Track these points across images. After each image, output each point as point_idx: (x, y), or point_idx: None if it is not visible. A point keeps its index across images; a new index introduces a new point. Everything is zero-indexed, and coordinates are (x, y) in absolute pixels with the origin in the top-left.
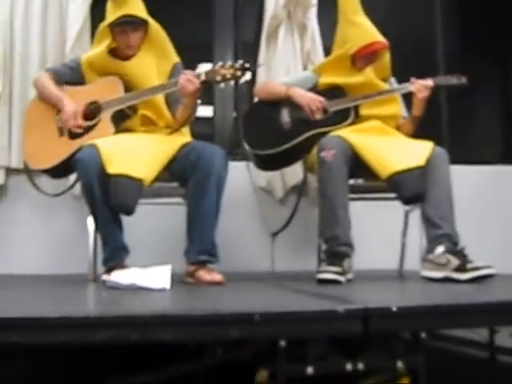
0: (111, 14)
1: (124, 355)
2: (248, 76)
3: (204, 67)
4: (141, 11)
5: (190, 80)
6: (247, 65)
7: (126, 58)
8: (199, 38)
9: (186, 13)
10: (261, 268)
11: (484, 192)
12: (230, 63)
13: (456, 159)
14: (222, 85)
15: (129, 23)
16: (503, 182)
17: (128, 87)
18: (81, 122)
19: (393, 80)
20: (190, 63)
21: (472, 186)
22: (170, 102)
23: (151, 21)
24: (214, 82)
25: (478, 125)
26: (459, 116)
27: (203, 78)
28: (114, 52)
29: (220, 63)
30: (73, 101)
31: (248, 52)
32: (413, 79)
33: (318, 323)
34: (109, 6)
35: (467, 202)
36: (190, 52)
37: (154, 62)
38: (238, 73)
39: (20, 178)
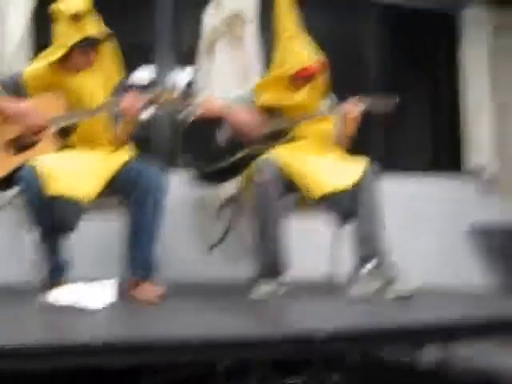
0: (69, 35)
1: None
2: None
3: (142, 72)
4: (99, 28)
5: (131, 104)
6: (189, 93)
7: (74, 72)
8: (141, 39)
9: (129, 14)
10: (198, 280)
11: (412, 202)
12: (171, 88)
13: (387, 167)
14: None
15: (92, 43)
16: (429, 193)
17: (73, 101)
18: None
19: (333, 96)
20: (130, 65)
21: (400, 197)
22: (112, 118)
23: (108, 39)
24: (155, 106)
25: (408, 135)
26: (391, 128)
27: (145, 101)
28: (60, 66)
29: (161, 88)
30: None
31: (188, 59)
32: (342, 105)
33: (254, 348)
34: (63, 27)
35: (396, 212)
36: (131, 53)
37: (100, 78)
38: (179, 99)
39: None
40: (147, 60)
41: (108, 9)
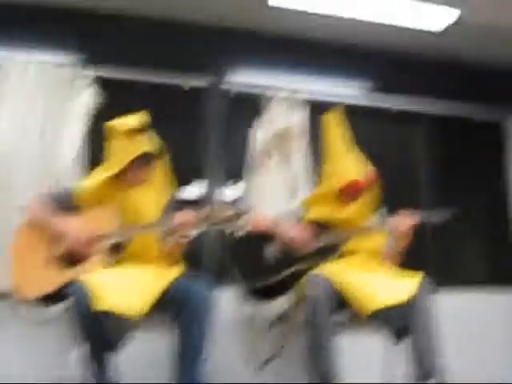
0: (126, 150)
1: None
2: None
3: (192, 188)
4: (153, 145)
5: (186, 221)
6: (242, 212)
7: (127, 187)
8: (191, 161)
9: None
10: None
11: (473, 320)
12: (225, 207)
13: (443, 282)
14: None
15: (147, 159)
16: (490, 309)
17: (125, 217)
18: (87, 241)
19: (383, 211)
20: (181, 181)
21: (459, 310)
22: (163, 235)
23: (162, 154)
24: (209, 225)
25: (464, 248)
26: (444, 243)
27: (199, 220)
28: (115, 179)
29: (216, 206)
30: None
31: (238, 177)
32: (392, 219)
33: None
34: (119, 143)
35: (455, 324)
36: (182, 175)
37: (153, 194)
38: (233, 219)
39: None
40: (198, 176)
41: (157, 123)
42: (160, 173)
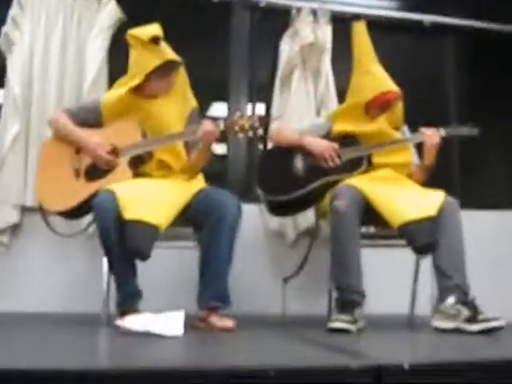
0: (149, 60)
1: None
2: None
3: (218, 109)
4: (174, 54)
5: (210, 132)
6: (265, 116)
7: (151, 98)
8: (214, 76)
9: (205, 52)
10: (272, 312)
11: (495, 237)
12: (248, 114)
13: (467, 204)
14: (240, 135)
15: (171, 68)
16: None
17: (148, 128)
18: (108, 152)
19: (405, 128)
20: (204, 102)
21: (483, 232)
22: (186, 146)
23: (181, 66)
24: (232, 133)
25: (488, 170)
26: (470, 161)
27: (222, 128)
28: (137, 91)
29: (239, 113)
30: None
31: (262, 94)
32: (422, 129)
33: (331, 378)
34: (142, 53)
35: (479, 247)
36: (206, 91)
37: (176, 105)
38: (256, 124)
39: (35, 216)
40: (221, 97)
41: (182, 41)
42: (182, 84)
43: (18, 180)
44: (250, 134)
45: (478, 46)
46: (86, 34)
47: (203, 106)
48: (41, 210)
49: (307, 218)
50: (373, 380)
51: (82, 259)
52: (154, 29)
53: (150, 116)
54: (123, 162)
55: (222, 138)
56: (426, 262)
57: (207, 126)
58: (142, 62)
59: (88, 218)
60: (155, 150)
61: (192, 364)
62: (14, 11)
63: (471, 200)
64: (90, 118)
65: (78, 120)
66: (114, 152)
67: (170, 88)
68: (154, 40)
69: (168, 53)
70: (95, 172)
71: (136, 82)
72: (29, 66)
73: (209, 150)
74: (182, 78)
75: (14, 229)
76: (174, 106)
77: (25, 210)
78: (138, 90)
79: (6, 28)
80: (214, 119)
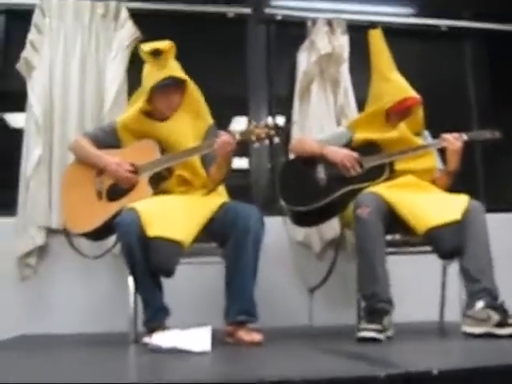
0: (152, 76)
1: None
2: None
3: (239, 122)
4: (180, 72)
5: (226, 142)
6: (281, 124)
7: (163, 119)
8: (234, 92)
9: (222, 68)
10: (299, 323)
11: None
12: (263, 122)
13: (492, 208)
14: (257, 144)
15: (172, 85)
16: None
17: (164, 148)
18: (129, 171)
19: (427, 133)
20: (225, 118)
21: (509, 235)
22: (205, 161)
23: (190, 83)
24: (249, 142)
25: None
26: (493, 165)
27: (238, 138)
28: (149, 113)
29: (254, 123)
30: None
31: (282, 107)
32: (444, 135)
33: None
34: (148, 69)
35: (505, 250)
36: (225, 106)
37: (190, 122)
38: (272, 132)
39: (60, 238)
40: (241, 112)
41: (198, 57)
42: (194, 102)
43: (42, 202)
44: (267, 142)
45: (496, 49)
46: (104, 54)
47: (224, 121)
48: (65, 232)
49: (332, 228)
50: None
51: (108, 279)
52: (159, 43)
53: (163, 138)
54: (143, 180)
55: (243, 151)
56: (454, 268)
57: (223, 137)
58: (148, 76)
59: (112, 239)
60: (174, 167)
61: (220, 379)
62: (32, 35)
63: (496, 203)
64: (109, 139)
65: (98, 142)
66: (134, 171)
67: (175, 106)
68: (156, 53)
69: (171, 69)
70: (117, 192)
71: (144, 97)
72: (49, 90)
73: (227, 163)
74: (193, 96)
75: (41, 251)
76: (188, 125)
77: (50, 231)
78: (148, 113)
79: (25, 53)
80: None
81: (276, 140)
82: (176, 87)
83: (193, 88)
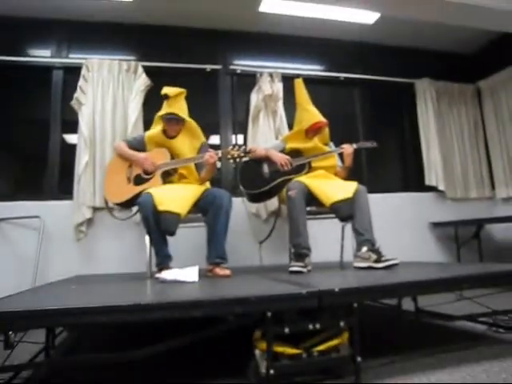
0: (163, 110)
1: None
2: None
3: (214, 139)
4: (183, 111)
5: (211, 156)
6: (247, 149)
7: (172, 137)
8: (211, 119)
9: (203, 104)
10: (253, 264)
11: (389, 209)
12: (237, 147)
13: (373, 190)
14: (231, 161)
15: (173, 119)
16: (403, 204)
17: (172, 155)
18: (152, 164)
19: (331, 144)
20: (205, 136)
21: (384, 207)
22: (198, 167)
23: (188, 119)
24: (226, 159)
25: (386, 168)
26: (373, 163)
27: (219, 155)
28: (165, 132)
29: (231, 146)
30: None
31: (241, 128)
32: (343, 145)
33: (291, 301)
34: (164, 104)
35: (379, 216)
36: (205, 128)
37: (189, 140)
38: (242, 154)
39: (101, 213)
40: (215, 130)
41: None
42: (191, 129)
43: (89, 190)
44: (238, 160)
45: (376, 92)
46: (127, 96)
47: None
48: (106, 205)
49: (273, 203)
50: (317, 300)
51: (133, 238)
52: (167, 89)
53: (172, 149)
54: (157, 174)
55: (220, 159)
56: (348, 227)
57: (210, 153)
58: (162, 109)
59: (134, 209)
60: (178, 168)
61: (204, 297)
62: (80, 82)
63: (374, 188)
64: (138, 145)
65: (131, 146)
66: (154, 166)
67: (177, 131)
68: (165, 96)
69: (175, 108)
70: (140, 180)
71: (161, 125)
72: (92, 119)
73: (212, 170)
74: (191, 123)
75: (89, 221)
76: (188, 143)
77: (95, 209)
78: (164, 132)
79: (77, 94)
80: (216, 149)
81: (244, 159)
82: (176, 121)
83: (190, 121)
